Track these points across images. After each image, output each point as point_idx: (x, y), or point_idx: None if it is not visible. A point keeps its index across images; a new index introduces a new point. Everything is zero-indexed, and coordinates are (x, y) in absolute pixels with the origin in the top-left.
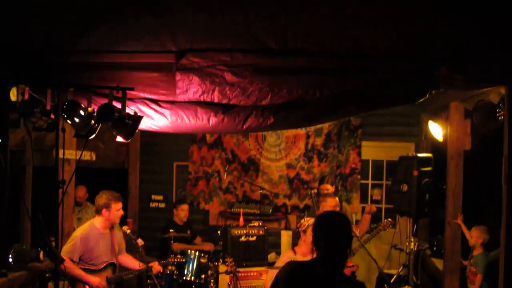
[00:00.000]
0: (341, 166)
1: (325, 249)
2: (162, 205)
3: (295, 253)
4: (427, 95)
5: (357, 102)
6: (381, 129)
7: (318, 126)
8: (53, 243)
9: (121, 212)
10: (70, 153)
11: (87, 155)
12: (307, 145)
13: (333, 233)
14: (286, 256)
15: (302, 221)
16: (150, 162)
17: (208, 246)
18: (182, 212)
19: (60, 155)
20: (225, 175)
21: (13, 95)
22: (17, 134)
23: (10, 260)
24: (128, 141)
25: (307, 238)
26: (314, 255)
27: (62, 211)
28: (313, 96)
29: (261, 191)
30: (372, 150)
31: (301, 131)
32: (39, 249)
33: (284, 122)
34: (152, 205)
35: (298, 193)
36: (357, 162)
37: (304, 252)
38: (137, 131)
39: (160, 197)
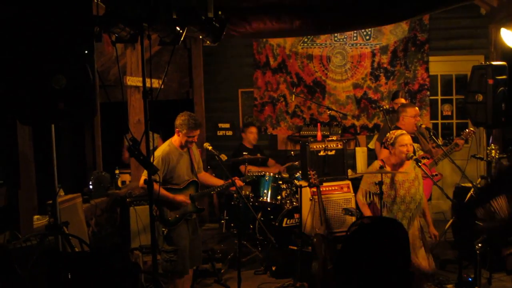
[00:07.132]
0: (409, 83)
1: None
2: (230, 133)
3: (384, 164)
4: None
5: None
6: (448, 43)
7: (384, 43)
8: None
9: (191, 140)
10: (138, 80)
11: (155, 83)
12: (373, 63)
13: None
14: (376, 165)
15: (388, 135)
16: (214, 91)
17: (279, 168)
18: (251, 135)
19: (130, 82)
20: (293, 98)
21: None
22: None
23: (91, 186)
24: (216, 44)
25: (397, 150)
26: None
27: (147, 135)
28: None
29: (329, 112)
30: (440, 65)
31: (367, 50)
32: (116, 176)
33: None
34: (220, 133)
35: (366, 113)
36: (425, 78)
37: (393, 164)
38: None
39: (227, 125)
